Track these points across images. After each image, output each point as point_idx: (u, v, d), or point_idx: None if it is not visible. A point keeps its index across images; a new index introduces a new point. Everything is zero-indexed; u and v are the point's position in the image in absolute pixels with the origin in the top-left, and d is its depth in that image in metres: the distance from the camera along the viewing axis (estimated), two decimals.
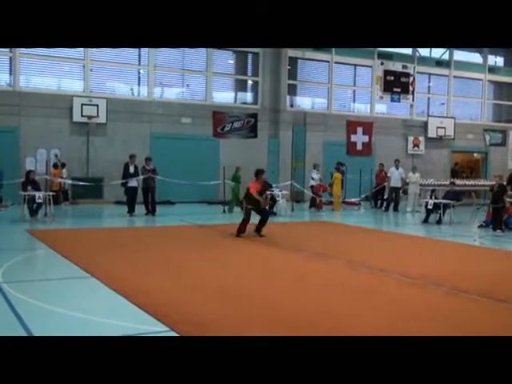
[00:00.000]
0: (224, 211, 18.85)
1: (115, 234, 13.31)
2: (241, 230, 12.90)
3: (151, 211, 17.57)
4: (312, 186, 21.43)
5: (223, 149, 23.32)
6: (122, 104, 21.81)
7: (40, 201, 15.37)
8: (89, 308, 6.59)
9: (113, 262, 9.56)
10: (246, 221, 12.99)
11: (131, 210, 17.28)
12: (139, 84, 22.81)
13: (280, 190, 19.54)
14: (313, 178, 21.57)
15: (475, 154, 31.20)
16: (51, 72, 21.24)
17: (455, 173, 26.45)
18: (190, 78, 23.55)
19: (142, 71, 22.71)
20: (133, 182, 17.47)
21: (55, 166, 20.13)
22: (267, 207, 13.59)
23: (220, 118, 22.41)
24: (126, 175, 17.47)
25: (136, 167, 17.64)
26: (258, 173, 13.52)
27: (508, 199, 15.95)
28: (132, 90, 22.88)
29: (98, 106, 21.10)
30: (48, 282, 8.16)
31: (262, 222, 13.13)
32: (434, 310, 6.86)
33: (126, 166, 17.61)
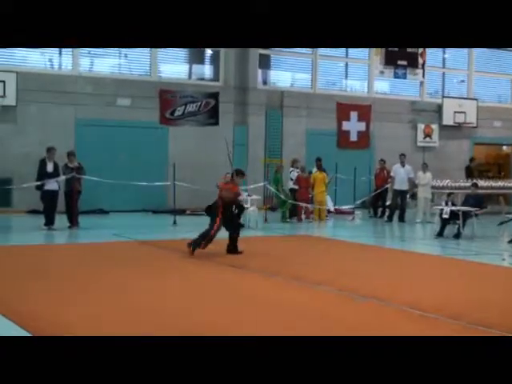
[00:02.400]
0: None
1: (27, 255, 13.09)
2: (201, 243, 12.90)
3: (76, 223, 17.43)
4: (292, 190, 21.42)
5: (173, 140, 23.23)
6: (37, 80, 21.56)
7: None
8: None
9: (22, 293, 9.39)
10: (211, 235, 13.01)
11: (49, 222, 17.08)
12: (60, 53, 22.60)
13: (249, 195, 19.48)
14: (292, 179, 21.58)
15: (504, 147, 31.63)
16: None
17: (470, 172, 26.65)
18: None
19: None
20: (52, 185, 17.28)
21: None
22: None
23: (169, 99, 22.34)
24: (43, 175, 17.28)
25: (56, 164, 17.47)
26: (238, 174, 13.64)
27: None
28: (51, 61, 22.65)
29: (4, 82, 20.85)
30: None
31: (234, 239, 13.28)
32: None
33: (43, 163, 17.42)
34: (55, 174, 17.37)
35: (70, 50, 22.23)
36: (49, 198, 17.24)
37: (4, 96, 20.86)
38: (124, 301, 9.04)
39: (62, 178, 17.47)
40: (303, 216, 21.19)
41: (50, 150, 17.58)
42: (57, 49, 22.37)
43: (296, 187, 21.33)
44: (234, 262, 12.42)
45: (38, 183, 17.33)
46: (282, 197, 20.56)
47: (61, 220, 17.38)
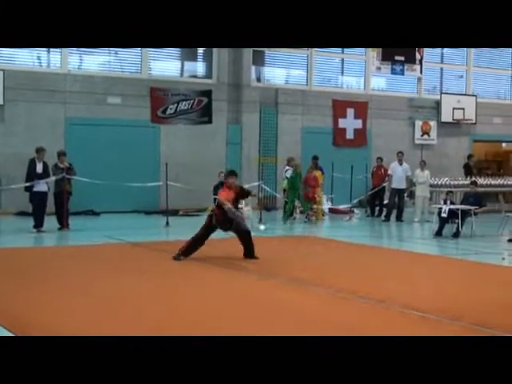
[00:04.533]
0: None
1: (16, 258, 13.09)
2: (189, 249, 12.84)
3: (66, 225, 17.43)
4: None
5: (165, 139, 23.24)
6: (25, 78, 21.53)
7: None
8: None
9: (14, 295, 9.41)
10: (202, 239, 12.95)
11: (39, 224, 17.07)
12: (48, 51, 22.57)
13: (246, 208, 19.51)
14: (287, 178, 21.59)
15: (504, 144, 31.71)
16: None
17: (469, 169, 26.68)
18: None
19: None
20: (41, 186, 17.28)
21: None
22: (243, 222, 13.50)
23: (161, 97, 22.37)
24: (32, 176, 17.26)
25: (45, 165, 17.47)
26: (228, 175, 13.59)
27: None
28: (39, 58, 22.63)
29: None
30: None
31: (249, 243, 13.20)
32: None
33: (32, 164, 17.41)
34: (45, 174, 17.35)
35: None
36: (38, 199, 17.22)
37: None
38: (116, 303, 9.06)
39: (52, 178, 17.45)
40: (300, 215, 21.23)
41: (39, 150, 17.54)
42: (45, 47, 22.37)
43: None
44: (229, 263, 12.44)
45: (27, 184, 17.32)
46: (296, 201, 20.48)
47: (50, 222, 17.36)
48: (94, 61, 23.33)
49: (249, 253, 13.12)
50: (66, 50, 22.32)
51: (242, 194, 13.89)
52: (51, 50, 22.44)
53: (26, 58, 22.30)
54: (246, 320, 8.22)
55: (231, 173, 13.73)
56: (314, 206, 21.13)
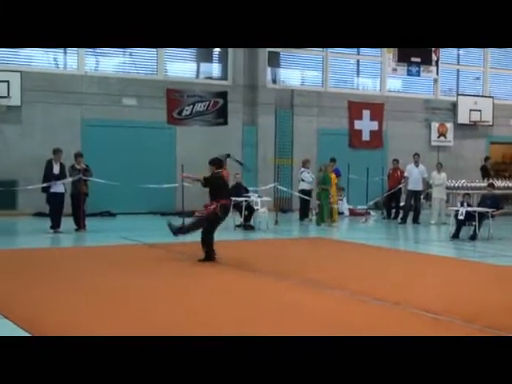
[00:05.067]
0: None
1: (32, 258, 13.19)
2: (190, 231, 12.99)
3: (83, 226, 17.53)
4: (303, 191, 21.48)
5: (181, 140, 23.33)
6: (43, 79, 21.69)
7: None
8: None
9: (30, 296, 9.50)
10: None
11: (56, 225, 17.18)
12: (65, 52, 22.72)
13: (259, 196, 19.59)
14: (303, 180, 21.64)
15: None
16: None
17: (486, 171, 26.67)
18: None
19: None
20: (58, 187, 17.36)
21: None
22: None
23: (176, 99, 22.42)
24: (49, 177, 17.35)
25: (62, 166, 17.56)
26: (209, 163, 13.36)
27: None
28: (56, 60, 22.78)
29: (8, 82, 20.95)
30: None
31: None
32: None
33: (49, 165, 17.49)
34: (61, 175, 17.44)
35: (74, 49, 22.35)
36: (55, 200, 17.32)
37: (8, 96, 20.98)
38: (133, 304, 9.13)
39: (69, 180, 17.55)
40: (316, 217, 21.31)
41: (56, 151, 17.63)
42: (62, 48, 22.50)
43: (307, 188, 21.43)
44: (245, 265, 12.49)
45: (44, 185, 17.41)
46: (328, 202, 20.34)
47: (67, 223, 17.47)
48: (110, 62, 23.48)
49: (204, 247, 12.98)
50: (82, 52, 22.47)
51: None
52: (68, 51, 22.58)
53: (42, 60, 22.46)
54: (261, 321, 8.26)
55: (211, 161, 13.37)
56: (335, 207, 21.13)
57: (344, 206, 23.66)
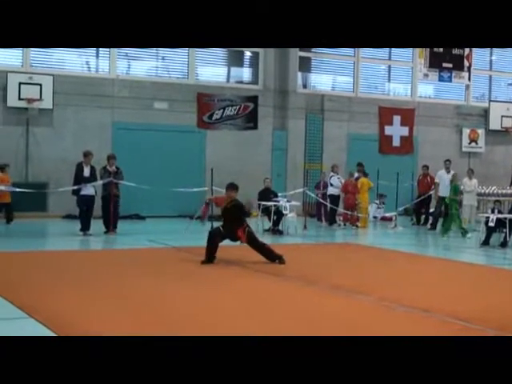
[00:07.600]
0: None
1: (62, 260, 13.27)
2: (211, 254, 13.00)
3: (113, 229, 17.58)
4: (331, 196, 21.44)
5: (211, 144, 23.36)
6: (74, 83, 21.86)
7: None
8: None
9: (58, 297, 9.55)
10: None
11: (85, 228, 17.26)
12: (97, 56, 22.88)
13: (288, 201, 19.54)
14: (332, 185, 21.59)
15: None
16: None
17: None
18: (166, 49, 23.60)
19: None
20: (88, 190, 17.45)
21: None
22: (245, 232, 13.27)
23: (207, 103, 22.51)
24: (80, 180, 17.45)
25: (93, 169, 17.65)
26: (227, 188, 13.68)
27: None
28: (88, 63, 22.94)
29: (41, 85, 21.16)
30: None
31: (261, 249, 13.23)
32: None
33: (80, 168, 17.59)
34: (92, 178, 17.52)
35: (107, 52, 22.51)
36: (85, 203, 17.39)
37: (41, 99, 21.17)
38: (161, 308, 9.15)
39: (99, 182, 17.62)
40: (344, 222, 21.26)
41: (86, 154, 17.72)
42: (94, 51, 22.67)
43: (336, 193, 21.39)
44: (272, 270, 12.46)
45: (75, 188, 17.51)
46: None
47: (97, 225, 17.56)
48: (142, 66, 23.61)
49: (270, 257, 13.12)
50: (114, 56, 22.61)
51: (233, 211, 13.31)
52: (100, 55, 22.74)
53: (75, 63, 22.64)
54: (289, 325, 8.24)
55: (230, 186, 13.64)
56: (355, 213, 21.05)
57: (377, 211, 23.69)
